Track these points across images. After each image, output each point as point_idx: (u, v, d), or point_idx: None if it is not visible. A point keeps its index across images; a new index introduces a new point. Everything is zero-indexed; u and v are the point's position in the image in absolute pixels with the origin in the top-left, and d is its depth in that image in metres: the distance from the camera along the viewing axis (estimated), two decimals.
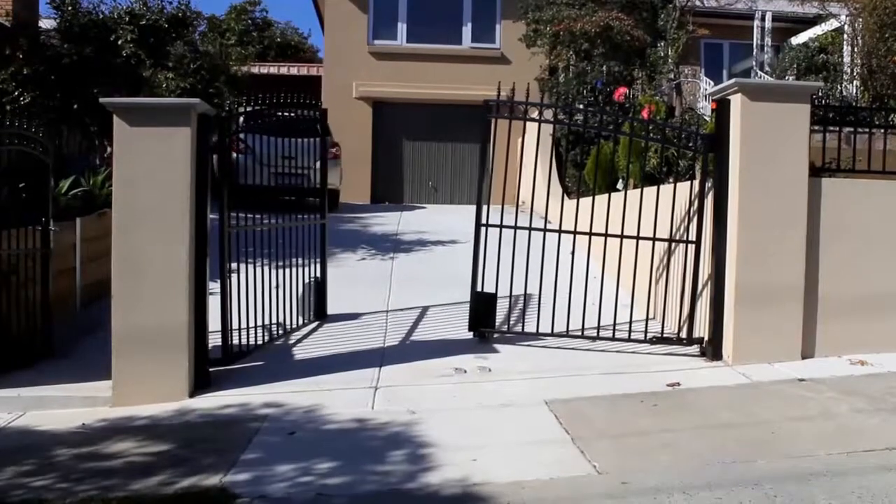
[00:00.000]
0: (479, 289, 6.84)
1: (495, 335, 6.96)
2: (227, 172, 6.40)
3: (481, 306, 6.85)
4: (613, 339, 6.69)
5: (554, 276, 6.66)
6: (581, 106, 12.67)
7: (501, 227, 6.75)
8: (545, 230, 6.81)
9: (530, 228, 6.80)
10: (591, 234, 6.80)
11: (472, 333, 6.92)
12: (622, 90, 13.24)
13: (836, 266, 6.39)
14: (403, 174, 18.13)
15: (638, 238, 6.78)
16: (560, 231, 6.97)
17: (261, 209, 6.96)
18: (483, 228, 6.77)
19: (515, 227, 6.67)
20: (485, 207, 6.78)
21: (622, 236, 6.83)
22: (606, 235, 6.90)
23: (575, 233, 6.98)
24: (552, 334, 6.74)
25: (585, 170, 11.70)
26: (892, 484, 3.89)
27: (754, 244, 6.24)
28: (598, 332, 6.74)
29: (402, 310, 7.92)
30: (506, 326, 7.08)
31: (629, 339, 6.68)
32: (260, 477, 4.22)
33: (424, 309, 7.94)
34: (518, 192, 16.91)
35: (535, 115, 7.07)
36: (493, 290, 6.79)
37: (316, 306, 7.66)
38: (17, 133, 6.87)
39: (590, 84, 14.50)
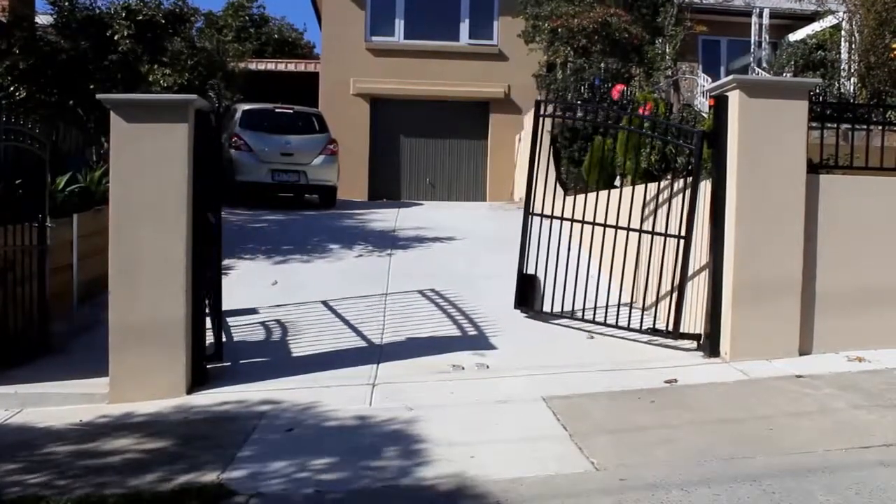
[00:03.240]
0: (524, 271, 7.58)
1: (544, 314, 7.44)
2: (223, 168, 6.39)
3: (526, 286, 7.60)
4: (617, 326, 6.93)
5: (576, 264, 7.22)
6: (579, 102, 12.66)
7: (542, 216, 7.43)
8: (569, 219, 7.40)
9: (560, 218, 7.40)
10: (604, 225, 7.21)
11: (518, 310, 7.63)
12: (619, 87, 13.23)
13: (833, 262, 6.40)
14: (401, 171, 18.11)
15: (640, 232, 6.90)
16: (583, 222, 7.33)
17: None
18: (530, 217, 7.54)
19: (552, 217, 7.42)
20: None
21: (633, 230, 6.98)
22: (618, 228, 7.07)
23: (598, 224, 7.25)
24: (571, 316, 7.24)
25: (583, 166, 11.69)
26: (890, 479, 3.90)
27: (752, 240, 6.24)
28: (605, 319, 7.00)
29: (399, 306, 7.91)
30: (538, 305, 7.52)
31: (628, 328, 6.88)
32: (257, 474, 4.22)
33: (422, 306, 7.93)
34: (513, 189, 16.95)
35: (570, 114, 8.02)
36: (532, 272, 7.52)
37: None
38: (14, 129, 6.84)
39: (587, 81, 14.48)
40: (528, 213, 7.60)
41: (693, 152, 6.71)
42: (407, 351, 6.66)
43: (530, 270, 7.55)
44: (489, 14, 18.07)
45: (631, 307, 7.06)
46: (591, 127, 11.11)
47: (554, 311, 7.34)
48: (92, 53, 11.14)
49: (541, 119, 7.55)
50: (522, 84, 17.11)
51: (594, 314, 7.10)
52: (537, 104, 7.73)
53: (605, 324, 6.98)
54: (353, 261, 9.78)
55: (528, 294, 7.59)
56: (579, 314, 7.22)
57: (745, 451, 4.36)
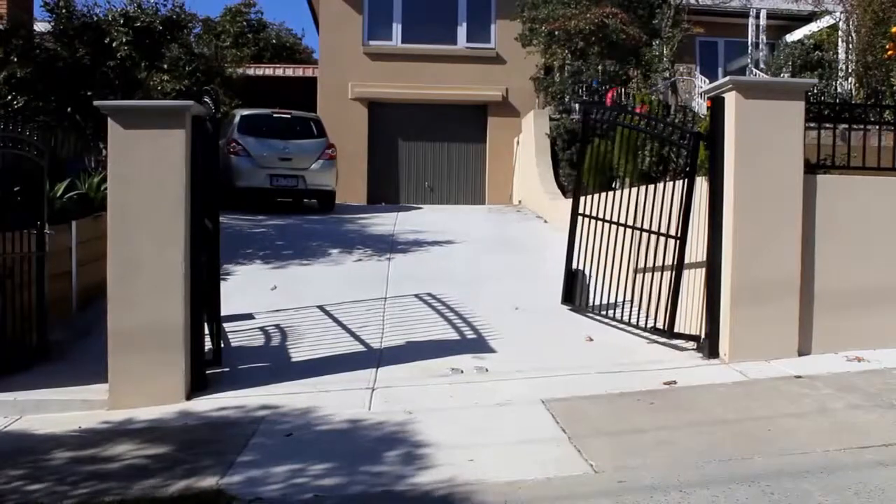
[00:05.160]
0: (573, 267, 7.87)
1: (584, 309, 7.72)
2: (221, 174, 6.40)
3: (575, 282, 7.91)
4: (627, 323, 7.11)
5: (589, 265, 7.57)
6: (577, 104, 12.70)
7: (587, 216, 7.77)
8: (602, 220, 7.61)
9: (596, 218, 7.63)
10: (624, 226, 7.39)
11: (565, 306, 7.90)
12: (613, 91, 13.26)
13: (831, 262, 6.40)
14: (399, 175, 18.12)
15: (649, 233, 6.95)
16: (612, 223, 7.41)
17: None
18: (579, 217, 7.87)
19: (591, 217, 7.71)
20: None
21: (645, 230, 7.04)
22: (658, 234, 6.97)
23: (628, 225, 7.33)
24: (596, 312, 7.54)
25: (583, 168, 11.67)
26: (889, 480, 3.90)
27: (750, 241, 6.25)
28: (621, 318, 7.23)
29: (398, 310, 7.91)
30: (579, 301, 7.82)
31: (634, 326, 7.01)
32: (256, 478, 4.22)
33: (421, 310, 7.93)
34: (512, 191, 16.96)
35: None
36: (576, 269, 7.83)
37: None
38: (12, 136, 6.85)
39: (585, 83, 14.50)
40: (575, 212, 7.90)
41: (689, 153, 6.71)
42: (406, 355, 6.66)
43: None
44: (486, 17, 18.09)
45: (640, 308, 7.08)
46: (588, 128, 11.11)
47: (591, 307, 7.62)
48: (90, 60, 11.14)
49: (591, 123, 7.99)
50: (520, 87, 17.14)
51: (629, 314, 7.14)
52: (586, 107, 8.37)
53: (637, 326, 7.04)
54: (353, 265, 9.78)
55: (573, 290, 7.85)
56: (613, 313, 7.35)
57: (743, 452, 4.37)
